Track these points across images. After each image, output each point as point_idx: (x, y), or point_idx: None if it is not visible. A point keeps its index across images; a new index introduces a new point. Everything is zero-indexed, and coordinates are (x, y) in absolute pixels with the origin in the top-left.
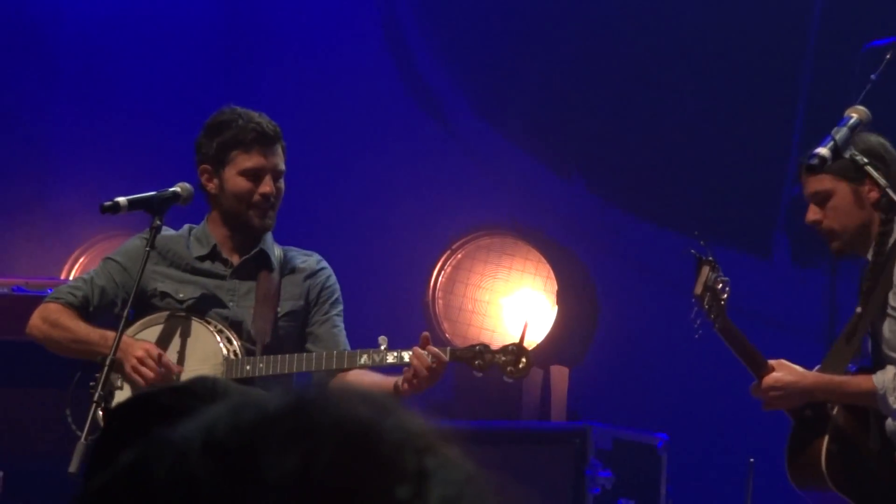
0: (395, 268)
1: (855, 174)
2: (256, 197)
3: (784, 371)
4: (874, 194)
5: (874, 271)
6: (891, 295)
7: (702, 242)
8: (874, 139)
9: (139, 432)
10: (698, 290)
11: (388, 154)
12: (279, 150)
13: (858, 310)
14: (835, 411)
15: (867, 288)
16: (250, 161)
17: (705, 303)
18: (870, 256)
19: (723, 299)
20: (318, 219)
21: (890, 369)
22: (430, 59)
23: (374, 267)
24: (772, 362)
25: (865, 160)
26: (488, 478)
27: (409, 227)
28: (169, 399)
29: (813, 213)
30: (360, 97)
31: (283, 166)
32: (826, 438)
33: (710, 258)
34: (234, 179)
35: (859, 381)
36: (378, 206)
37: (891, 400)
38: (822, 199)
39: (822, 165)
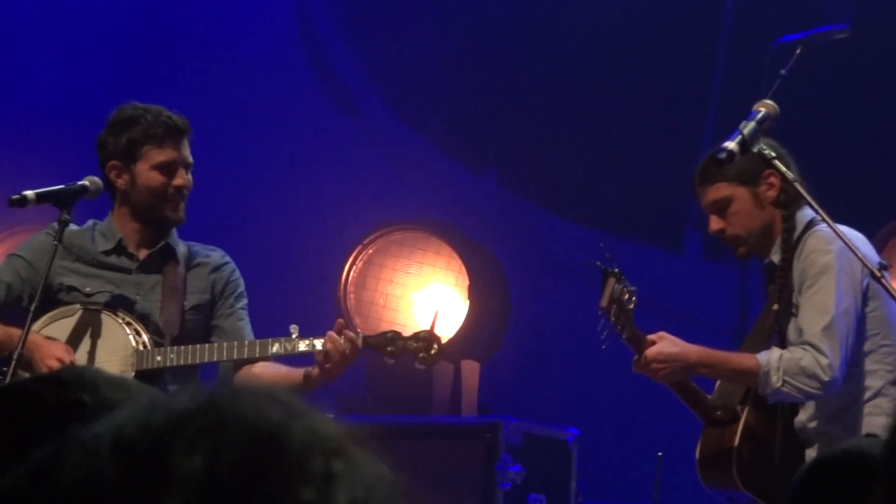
0: (307, 263)
1: (750, 177)
2: (171, 190)
3: (666, 342)
4: (772, 193)
5: (782, 266)
6: (794, 295)
7: (607, 254)
8: (771, 141)
9: (9, 421)
10: (604, 302)
11: (300, 148)
12: (188, 143)
13: (774, 307)
14: (745, 412)
15: (779, 287)
16: (163, 155)
17: (612, 314)
18: (776, 256)
19: (629, 309)
20: (230, 213)
21: (776, 350)
22: (344, 54)
23: (286, 262)
24: (652, 336)
25: (773, 154)
26: (398, 479)
27: (321, 222)
28: (38, 388)
29: (716, 223)
30: (273, 91)
31: (191, 159)
32: (737, 439)
33: (616, 270)
34: (146, 174)
35: (743, 359)
36: (290, 201)
37: (773, 379)
38: (722, 207)
39: (730, 159)
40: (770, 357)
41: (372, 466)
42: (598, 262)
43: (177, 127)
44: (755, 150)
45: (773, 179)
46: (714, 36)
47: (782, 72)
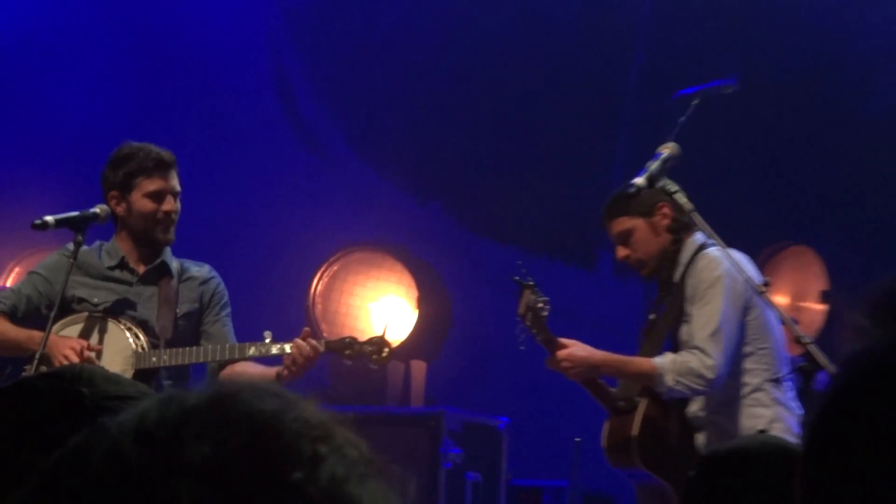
0: (282, 278)
1: (646, 209)
2: (160, 214)
3: (577, 348)
4: (665, 221)
5: (669, 283)
6: (686, 304)
7: (523, 270)
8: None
9: (18, 410)
10: (521, 310)
11: (275, 182)
12: (175, 174)
13: (655, 315)
14: (643, 402)
15: (662, 297)
16: (153, 185)
17: (527, 320)
18: (665, 274)
19: (543, 316)
20: (217, 235)
21: (668, 354)
22: (311, 100)
23: (263, 277)
24: (565, 340)
25: (674, 188)
26: (376, 458)
27: (293, 244)
28: (44, 382)
29: (621, 251)
30: (252, 132)
31: (179, 188)
32: (637, 425)
33: (531, 283)
34: (140, 201)
35: (641, 362)
36: (267, 226)
37: (667, 378)
38: (625, 237)
39: (638, 193)
40: (664, 360)
41: (353, 448)
42: (516, 277)
43: (164, 160)
44: (659, 185)
45: (665, 210)
46: (624, 86)
47: (681, 120)
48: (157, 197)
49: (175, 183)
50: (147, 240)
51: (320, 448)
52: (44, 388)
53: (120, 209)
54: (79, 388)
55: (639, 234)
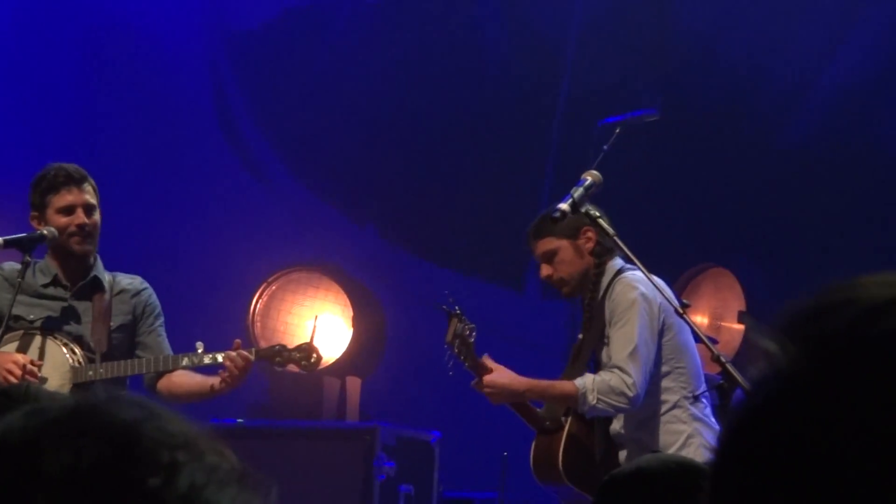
0: (223, 297)
1: (572, 232)
2: (72, 228)
3: (500, 374)
4: (590, 245)
5: (591, 306)
6: (606, 328)
7: (450, 299)
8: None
9: None
10: (448, 338)
11: (216, 203)
12: (88, 188)
13: (581, 336)
14: (568, 422)
15: (587, 320)
16: (63, 200)
17: (456, 348)
18: (587, 295)
19: (470, 343)
20: (159, 255)
21: (588, 375)
22: (251, 125)
23: (204, 296)
24: (491, 365)
25: (597, 213)
26: (237, 467)
27: (234, 264)
28: None
29: (545, 270)
30: (194, 154)
31: (93, 201)
32: (562, 443)
33: (458, 311)
34: (53, 218)
35: (563, 385)
36: (208, 246)
37: (590, 398)
38: (550, 256)
39: (563, 217)
40: (585, 381)
41: (214, 455)
42: (444, 306)
43: (71, 176)
44: (583, 210)
45: (590, 234)
46: (550, 116)
47: (605, 147)
48: (68, 211)
49: (87, 196)
50: (66, 254)
51: (179, 455)
52: None
53: (41, 228)
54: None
55: (563, 255)
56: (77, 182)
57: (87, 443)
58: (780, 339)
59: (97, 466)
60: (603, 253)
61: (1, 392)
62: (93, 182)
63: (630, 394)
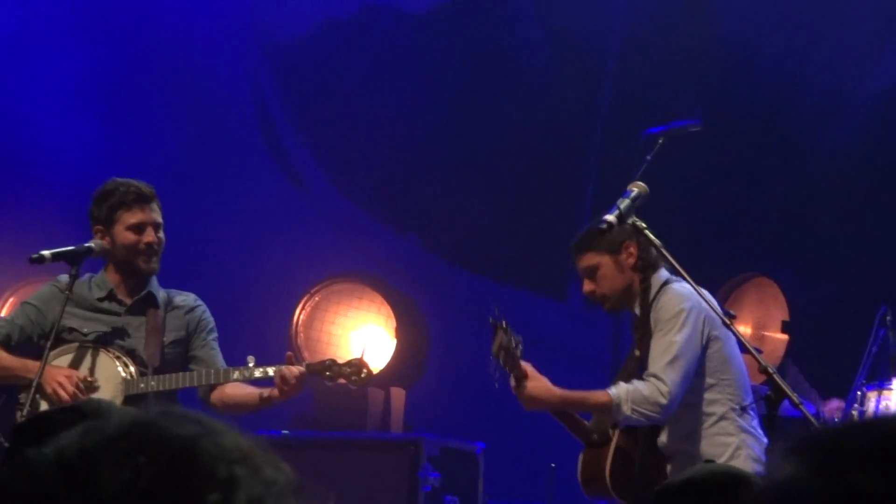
0: (266, 308)
1: (614, 247)
2: (141, 246)
3: (535, 384)
4: (631, 259)
5: (643, 321)
6: (652, 339)
7: (496, 311)
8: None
9: (37, 443)
10: (494, 350)
11: (261, 216)
12: (156, 206)
13: (638, 353)
14: (616, 435)
15: (639, 335)
16: (134, 217)
17: (501, 360)
18: (637, 310)
19: (516, 355)
20: (205, 267)
21: (622, 385)
22: (293, 138)
23: (249, 308)
24: (530, 373)
25: (644, 225)
26: (295, 479)
27: (278, 275)
28: (62, 415)
29: (587, 286)
30: (238, 168)
31: (160, 220)
32: (610, 456)
33: (503, 323)
34: (122, 234)
35: (598, 395)
36: (253, 259)
37: (624, 408)
38: (592, 272)
39: (610, 229)
40: (618, 391)
41: (271, 469)
42: (490, 318)
43: (143, 194)
44: (629, 222)
45: (632, 249)
46: (592, 126)
47: (648, 157)
48: (138, 229)
49: (155, 215)
50: (131, 270)
51: (236, 470)
52: (61, 420)
53: (105, 242)
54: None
55: (604, 270)
56: (147, 200)
57: (145, 460)
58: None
59: (156, 484)
60: (646, 267)
61: (74, 408)
62: (159, 200)
63: (664, 401)
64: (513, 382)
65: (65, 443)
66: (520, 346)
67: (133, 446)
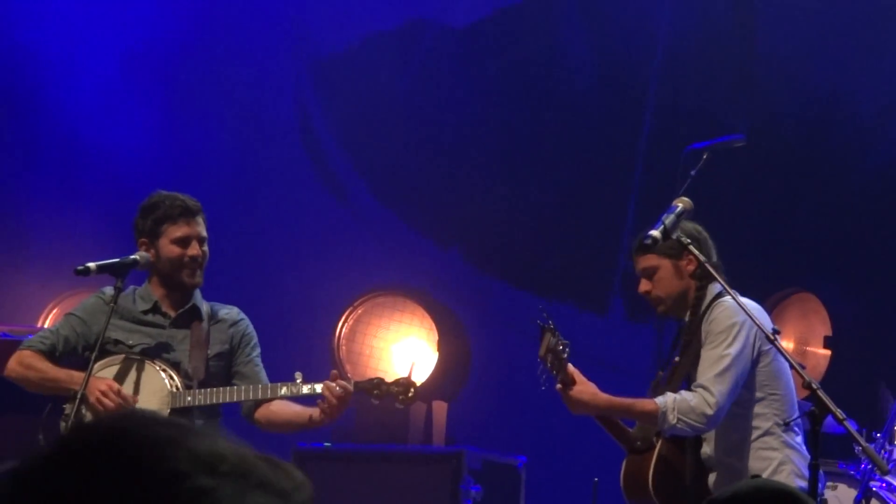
0: (308, 321)
1: (675, 252)
2: (186, 259)
3: (583, 389)
4: (691, 267)
5: (691, 327)
6: (702, 350)
7: (544, 314)
8: (691, 225)
9: None
10: (542, 352)
11: (302, 229)
12: (201, 220)
13: (677, 359)
14: (659, 442)
15: (685, 342)
16: (179, 231)
17: (548, 363)
18: (687, 316)
19: (563, 358)
20: (247, 280)
21: (669, 394)
22: (336, 151)
23: (291, 320)
24: (577, 378)
25: (688, 240)
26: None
27: (320, 288)
28: None
29: (644, 285)
30: (280, 181)
31: (205, 233)
32: (652, 464)
33: (551, 326)
34: (167, 247)
35: (645, 403)
36: (295, 270)
37: (670, 417)
38: (650, 273)
39: (654, 245)
40: (665, 399)
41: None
42: (538, 321)
43: (189, 208)
44: (674, 237)
45: (692, 257)
46: (635, 140)
47: (692, 173)
48: (183, 242)
49: (200, 229)
50: (175, 284)
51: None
52: None
53: (150, 255)
54: None
55: (662, 273)
56: (193, 214)
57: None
58: None
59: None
60: (705, 275)
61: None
62: (204, 214)
63: (710, 412)
64: (559, 386)
65: (39, 454)
66: (567, 350)
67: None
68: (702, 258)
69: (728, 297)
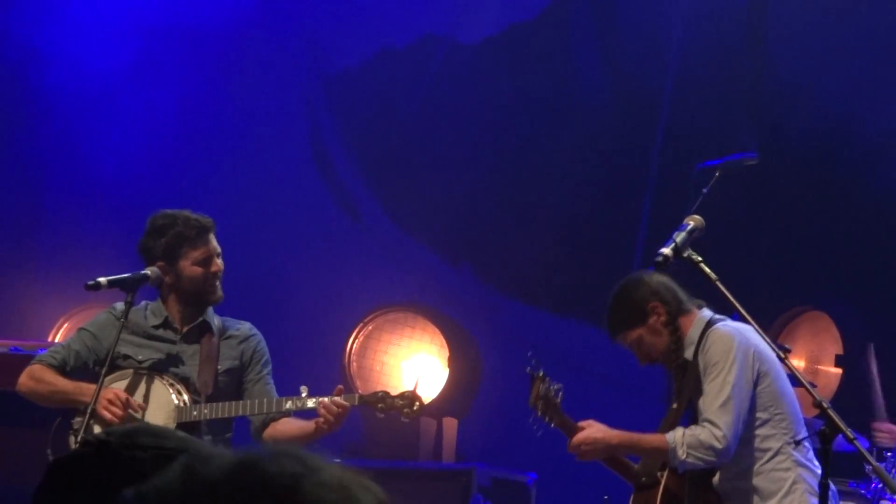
0: (319, 337)
1: (639, 317)
2: (209, 276)
3: (593, 429)
4: (662, 318)
5: (681, 366)
6: (703, 384)
7: (533, 361)
8: (656, 280)
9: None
10: (532, 400)
11: (314, 246)
12: (214, 235)
13: (675, 406)
14: (664, 477)
15: (677, 388)
16: (199, 252)
17: (540, 410)
18: (687, 353)
19: (556, 403)
20: (260, 296)
21: (679, 429)
22: (349, 169)
23: (302, 336)
24: (581, 423)
25: (699, 258)
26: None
27: (331, 304)
28: (94, 453)
29: (639, 359)
30: (292, 197)
31: (219, 247)
32: (658, 499)
33: (541, 373)
34: (189, 269)
35: (653, 438)
36: (306, 287)
37: (679, 452)
38: (636, 347)
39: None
40: (675, 435)
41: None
42: (528, 368)
43: (204, 226)
44: (685, 255)
45: (658, 309)
46: (647, 158)
47: (704, 190)
48: (205, 262)
49: (216, 244)
50: (198, 301)
51: None
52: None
53: (168, 278)
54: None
55: (644, 341)
56: (209, 231)
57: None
58: None
59: None
60: (674, 318)
61: (103, 443)
62: (215, 227)
63: (719, 446)
64: (569, 444)
65: (163, 486)
66: (560, 394)
67: (236, 492)
68: (714, 276)
69: (719, 325)
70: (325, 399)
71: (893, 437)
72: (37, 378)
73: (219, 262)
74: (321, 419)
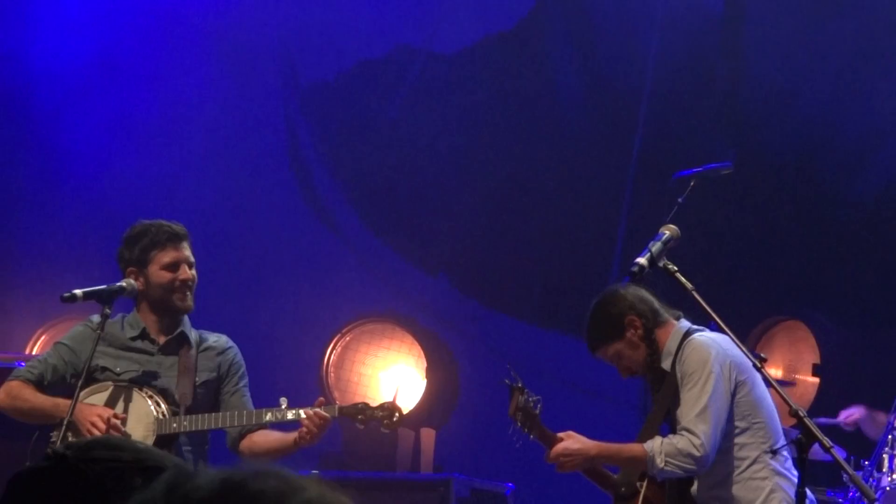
0: (297, 348)
1: (616, 331)
2: (177, 283)
3: (571, 440)
4: (639, 332)
5: (658, 376)
6: (681, 393)
7: (512, 373)
8: (632, 294)
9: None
10: (511, 411)
11: (292, 257)
12: (188, 245)
13: (653, 416)
14: (644, 486)
15: (656, 400)
16: (168, 256)
17: (519, 421)
18: (665, 363)
19: (535, 414)
20: (236, 307)
21: (657, 438)
22: (326, 179)
23: (279, 347)
24: (560, 434)
25: (675, 268)
26: None
27: (308, 315)
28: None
29: (620, 372)
30: (270, 208)
31: (192, 258)
32: None
33: (520, 385)
34: (157, 273)
35: (633, 448)
36: (283, 298)
37: (658, 461)
38: (615, 360)
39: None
40: (653, 444)
41: None
42: (506, 380)
43: (176, 233)
44: (661, 265)
45: (635, 322)
46: (624, 167)
47: (680, 200)
48: (173, 267)
49: (188, 253)
50: (166, 309)
51: None
52: (55, 471)
53: (139, 283)
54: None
55: (623, 354)
56: (181, 239)
57: None
58: None
59: None
60: (651, 331)
61: (60, 456)
62: (190, 238)
63: (697, 454)
64: (546, 455)
65: (147, 501)
66: (539, 406)
67: None
68: (689, 285)
69: (696, 335)
70: (309, 410)
71: (853, 418)
72: (14, 395)
73: (190, 271)
74: (304, 430)
